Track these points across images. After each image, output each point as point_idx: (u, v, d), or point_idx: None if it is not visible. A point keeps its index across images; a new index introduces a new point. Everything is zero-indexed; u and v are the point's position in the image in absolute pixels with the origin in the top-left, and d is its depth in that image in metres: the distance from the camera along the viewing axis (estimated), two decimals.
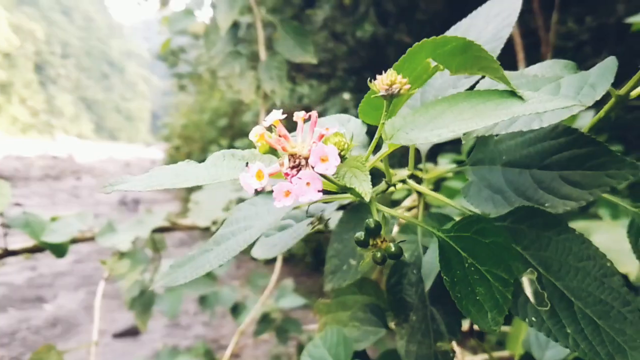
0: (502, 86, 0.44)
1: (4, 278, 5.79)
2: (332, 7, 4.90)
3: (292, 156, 0.37)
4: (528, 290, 0.48)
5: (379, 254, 0.44)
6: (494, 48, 0.54)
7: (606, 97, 0.52)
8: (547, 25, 3.69)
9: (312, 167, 0.36)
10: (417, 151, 0.67)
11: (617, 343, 0.45)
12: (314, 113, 0.41)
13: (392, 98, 0.41)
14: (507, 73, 0.53)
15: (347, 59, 5.16)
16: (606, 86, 0.48)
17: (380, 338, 0.74)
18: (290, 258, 5.68)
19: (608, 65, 0.50)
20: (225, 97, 7.96)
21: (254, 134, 0.40)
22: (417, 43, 0.43)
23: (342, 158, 0.39)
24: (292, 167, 0.37)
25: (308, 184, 0.35)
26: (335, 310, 0.80)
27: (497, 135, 0.56)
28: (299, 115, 0.40)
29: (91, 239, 1.51)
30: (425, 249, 0.63)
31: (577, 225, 1.45)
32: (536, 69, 0.55)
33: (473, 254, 0.44)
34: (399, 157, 1.30)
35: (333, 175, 0.37)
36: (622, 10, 3.14)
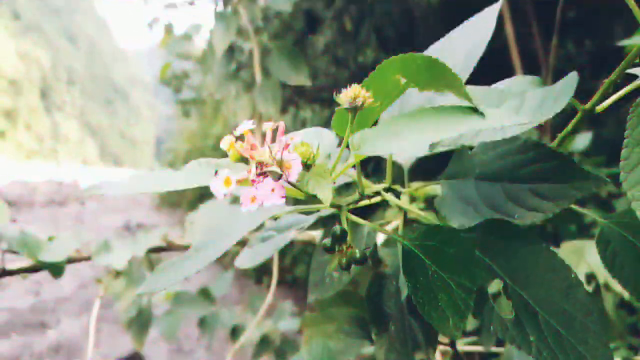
0: (467, 102, 0.46)
1: (7, 303, 5.79)
2: (334, 33, 4.95)
3: (259, 164, 0.39)
4: (494, 300, 0.50)
5: (344, 260, 0.46)
6: (466, 67, 0.57)
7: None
8: (547, 48, 3.72)
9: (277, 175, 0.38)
10: (400, 167, 0.69)
11: (579, 352, 0.46)
12: (280, 123, 0.43)
13: (356, 111, 0.43)
14: (476, 88, 0.56)
15: (349, 83, 5.20)
16: (566, 100, 0.50)
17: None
18: (293, 282, 5.69)
19: (569, 81, 0.52)
20: (228, 123, 8.01)
21: (225, 143, 0.42)
22: (385, 60, 0.45)
23: (308, 167, 0.41)
24: (259, 175, 0.39)
25: (272, 190, 0.37)
26: (321, 322, 0.81)
27: (471, 149, 0.59)
28: (267, 126, 0.43)
29: (88, 258, 1.53)
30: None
31: (573, 244, 1.47)
32: (504, 84, 0.58)
33: (437, 262, 0.46)
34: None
35: (297, 182, 0.39)
36: (620, 33, 3.17)
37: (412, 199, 0.75)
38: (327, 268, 0.50)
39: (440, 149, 0.57)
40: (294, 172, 0.38)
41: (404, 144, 0.40)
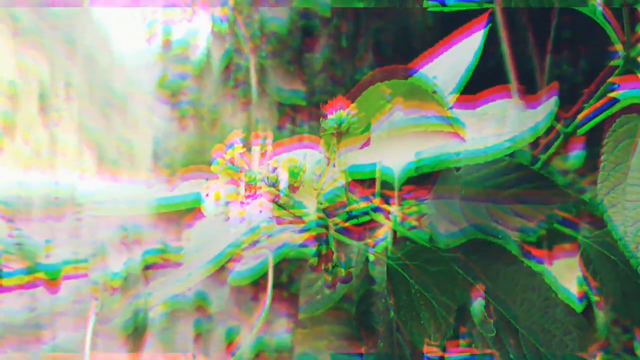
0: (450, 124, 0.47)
1: (2, 318, 5.75)
2: (331, 51, 4.96)
3: (248, 185, 0.40)
4: (476, 318, 0.51)
5: (329, 279, 0.47)
6: (451, 86, 0.58)
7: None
8: (543, 68, 3.73)
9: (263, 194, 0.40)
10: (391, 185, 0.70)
11: None
12: (268, 141, 0.44)
13: (340, 135, 0.44)
14: (461, 111, 0.57)
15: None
16: (546, 124, 0.51)
17: None
18: (289, 298, 5.66)
19: (550, 105, 0.54)
20: (225, 138, 8.00)
21: (218, 163, 0.43)
22: (371, 86, 0.47)
23: (295, 187, 0.43)
24: (247, 196, 0.40)
25: (260, 207, 0.39)
26: (312, 339, 0.82)
27: (458, 170, 0.60)
28: (256, 144, 0.44)
29: (84, 264, 1.53)
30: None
31: (566, 261, 1.47)
32: (487, 108, 0.59)
33: (420, 282, 0.48)
34: None
35: (283, 200, 0.41)
36: (614, 53, 3.18)
37: (404, 217, 0.77)
38: (313, 287, 0.51)
39: (425, 169, 0.58)
40: (281, 190, 0.39)
41: (388, 161, 0.41)
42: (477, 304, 0.51)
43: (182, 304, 2.22)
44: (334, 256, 0.48)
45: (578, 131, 0.57)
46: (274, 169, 0.41)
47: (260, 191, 0.39)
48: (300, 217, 0.41)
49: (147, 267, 1.72)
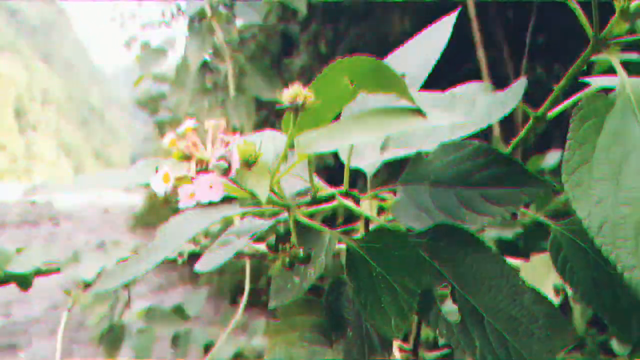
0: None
1: None
2: (309, 56, 4.98)
3: (199, 161, 0.39)
4: (441, 304, 0.50)
5: (287, 260, 0.46)
6: (420, 73, 0.57)
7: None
8: (518, 72, 3.77)
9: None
10: (363, 175, 0.69)
11: (523, 358, 0.47)
12: (222, 122, 0.43)
13: (297, 110, 0.43)
14: (429, 93, 0.56)
15: None
16: (513, 105, 0.51)
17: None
18: (267, 302, 5.65)
19: (517, 87, 0.53)
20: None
21: (167, 141, 0.42)
22: (332, 63, 0.46)
23: (250, 166, 0.41)
24: (199, 172, 0.39)
25: (211, 186, 0.38)
26: (285, 331, 0.81)
27: (427, 156, 0.59)
28: (209, 124, 0.43)
29: (56, 271, 1.51)
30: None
31: (541, 256, 1.47)
32: (456, 90, 0.59)
33: (382, 264, 0.46)
34: None
35: (236, 179, 0.39)
36: None
37: (380, 209, 0.76)
38: (271, 268, 0.50)
39: (392, 154, 0.57)
40: (232, 169, 0.38)
41: (344, 142, 0.40)
42: (442, 290, 0.50)
43: (159, 310, 2.21)
44: (292, 236, 0.47)
45: (548, 115, 0.56)
46: (226, 145, 0.40)
47: (211, 169, 0.38)
48: (254, 197, 0.40)
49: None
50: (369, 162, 0.69)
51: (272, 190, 0.45)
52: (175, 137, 0.42)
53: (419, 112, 0.43)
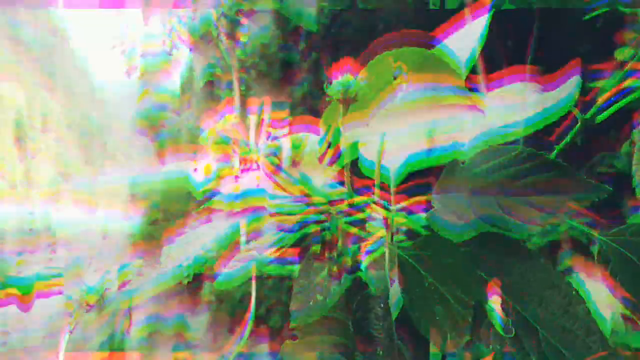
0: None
1: None
2: (310, 84, 4.98)
3: (243, 158, 0.36)
4: (491, 317, 0.47)
5: (334, 268, 0.43)
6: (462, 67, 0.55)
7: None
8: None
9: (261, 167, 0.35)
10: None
11: None
12: (266, 108, 0.40)
13: (347, 103, 0.40)
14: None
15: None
16: (568, 104, 0.48)
17: None
18: (267, 332, 5.61)
19: (572, 86, 0.50)
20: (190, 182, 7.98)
21: (206, 131, 0.39)
22: (379, 55, 0.43)
23: (296, 162, 0.38)
24: (243, 170, 0.36)
25: (258, 184, 0.34)
26: (302, 351, 0.77)
27: (463, 163, 0.56)
28: (252, 116, 0.40)
29: (58, 292, 1.47)
30: (392, 282, 0.61)
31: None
32: (501, 91, 0.56)
33: (433, 274, 0.43)
34: None
35: (284, 173, 0.36)
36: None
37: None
38: (317, 278, 0.46)
39: (436, 151, 0.54)
40: (283, 163, 0.35)
41: (398, 132, 0.37)
42: (494, 302, 0.47)
43: (162, 327, 2.18)
44: (339, 243, 0.44)
45: (597, 118, 0.53)
46: (275, 138, 0.37)
47: (257, 164, 0.35)
48: (304, 195, 0.36)
49: (124, 284, 1.66)
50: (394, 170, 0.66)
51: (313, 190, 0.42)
52: (215, 128, 0.38)
53: (473, 98, 0.40)
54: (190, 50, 1.97)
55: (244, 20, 2.05)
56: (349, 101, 0.40)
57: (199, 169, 0.36)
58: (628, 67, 0.49)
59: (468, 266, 0.44)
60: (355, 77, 0.40)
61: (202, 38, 1.98)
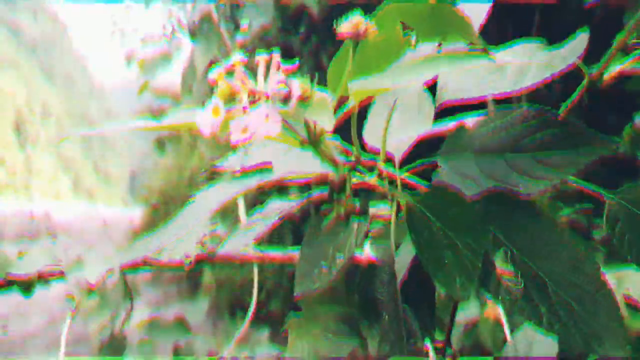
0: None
1: None
2: (310, 69, 4.97)
3: (252, 93, 0.35)
4: (500, 269, 0.47)
5: (342, 209, 0.43)
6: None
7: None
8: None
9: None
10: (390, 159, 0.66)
11: (592, 326, 0.44)
12: (275, 54, 0.39)
13: (358, 39, 0.39)
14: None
15: None
16: (576, 56, 0.47)
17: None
18: (267, 316, 5.63)
19: (578, 43, 0.50)
20: (205, 157, 7.97)
21: (214, 74, 0.38)
22: (385, 6, 0.42)
23: (305, 94, 0.38)
24: (252, 102, 0.35)
25: (267, 117, 0.34)
26: (307, 323, 0.77)
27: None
28: (260, 57, 0.39)
29: (59, 275, 1.47)
30: (397, 248, 0.61)
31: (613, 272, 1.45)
32: (508, 50, 0.55)
33: (442, 220, 0.43)
34: None
35: (293, 111, 0.36)
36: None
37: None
38: (325, 220, 0.46)
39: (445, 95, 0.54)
40: (293, 99, 0.34)
41: (404, 78, 0.37)
42: (500, 256, 0.47)
43: (161, 321, 2.18)
44: (347, 185, 0.44)
45: (604, 77, 0.52)
46: (282, 78, 0.36)
47: (266, 98, 0.34)
48: (313, 137, 0.36)
49: (127, 270, 1.66)
50: (399, 142, 0.65)
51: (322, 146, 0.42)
52: (223, 71, 0.38)
53: (485, 51, 0.40)
54: (191, 34, 1.96)
55: (243, 3, 2.04)
56: (360, 36, 0.39)
57: (206, 111, 0.35)
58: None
59: (476, 216, 0.43)
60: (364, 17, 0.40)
61: (202, 22, 1.97)
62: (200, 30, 2.02)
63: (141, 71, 2.43)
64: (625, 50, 0.53)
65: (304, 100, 0.37)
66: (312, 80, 0.41)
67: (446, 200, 0.44)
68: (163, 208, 8.98)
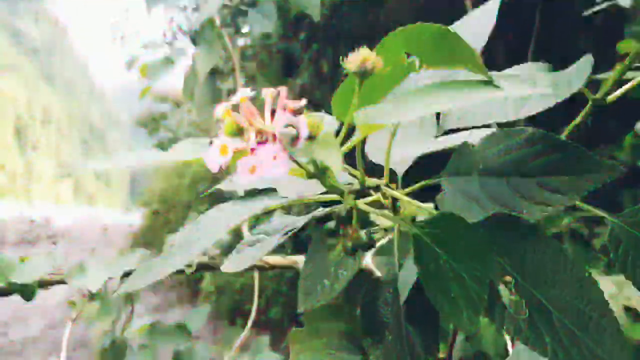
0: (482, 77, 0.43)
1: None
2: (311, 75, 4.96)
3: (259, 132, 0.35)
4: (505, 298, 0.47)
5: (349, 244, 0.42)
6: (475, 44, 0.54)
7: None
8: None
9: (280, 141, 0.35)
10: (393, 174, 0.66)
11: (596, 354, 0.44)
12: (282, 89, 0.39)
13: (364, 75, 0.39)
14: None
15: None
16: (581, 82, 0.47)
17: None
18: (267, 323, 5.63)
19: (583, 64, 0.50)
20: (204, 162, 7.95)
21: (221, 111, 0.38)
22: (390, 33, 0.42)
23: (314, 133, 0.38)
24: (259, 143, 0.35)
25: (274, 157, 0.34)
26: (309, 338, 0.77)
27: (474, 146, 0.56)
28: (267, 92, 0.39)
29: (61, 281, 1.47)
30: (401, 267, 0.61)
31: (611, 278, 1.45)
32: (511, 70, 0.55)
33: (447, 251, 0.43)
34: None
35: (301, 150, 0.36)
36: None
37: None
38: (330, 254, 0.46)
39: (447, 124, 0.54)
40: (302, 133, 0.34)
41: (409, 113, 0.37)
42: (506, 282, 0.47)
43: (161, 326, 2.17)
44: (353, 220, 0.44)
45: (608, 98, 0.52)
46: (291, 114, 0.36)
47: (273, 137, 0.34)
48: (320, 171, 0.36)
49: (128, 275, 1.65)
50: (403, 156, 0.65)
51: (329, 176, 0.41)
52: (230, 107, 0.38)
53: (490, 83, 0.40)
54: (192, 39, 1.96)
55: (245, 10, 2.04)
56: (366, 73, 0.39)
57: (214, 147, 0.35)
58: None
59: (483, 244, 0.43)
60: (370, 52, 0.40)
61: (204, 26, 1.97)
62: (201, 35, 2.02)
63: (142, 76, 2.42)
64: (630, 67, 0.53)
65: (311, 138, 0.37)
66: (320, 109, 0.41)
67: (452, 230, 0.44)
68: (163, 212, 9.00)
